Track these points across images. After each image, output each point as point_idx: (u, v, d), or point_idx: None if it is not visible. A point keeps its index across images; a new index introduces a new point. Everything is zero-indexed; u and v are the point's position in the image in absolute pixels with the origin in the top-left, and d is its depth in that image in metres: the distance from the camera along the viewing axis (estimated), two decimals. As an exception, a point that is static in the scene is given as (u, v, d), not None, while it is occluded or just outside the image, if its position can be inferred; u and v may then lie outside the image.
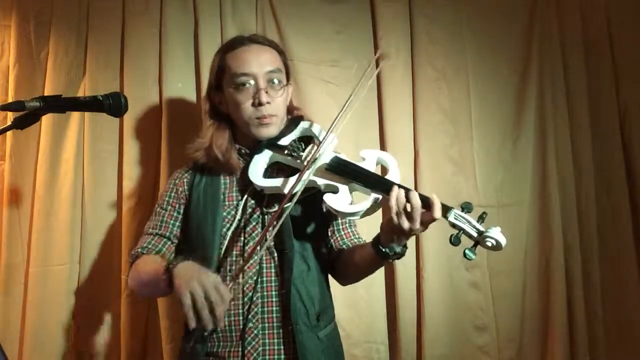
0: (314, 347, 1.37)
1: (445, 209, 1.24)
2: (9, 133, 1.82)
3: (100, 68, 1.90)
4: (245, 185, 1.43)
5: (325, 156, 1.38)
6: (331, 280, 1.53)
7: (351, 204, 1.34)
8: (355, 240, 1.50)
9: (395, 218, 1.23)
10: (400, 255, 1.32)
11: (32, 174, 1.86)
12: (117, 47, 1.92)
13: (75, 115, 1.89)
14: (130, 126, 1.89)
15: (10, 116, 1.63)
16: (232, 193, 1.45)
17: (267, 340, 1.37)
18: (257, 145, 1.45)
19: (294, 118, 1.51)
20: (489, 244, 1.21)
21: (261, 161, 1.43)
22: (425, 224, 1.25)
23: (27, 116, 1.15)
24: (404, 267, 1.95)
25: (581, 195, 2.10)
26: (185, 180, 1.51)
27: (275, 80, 1.43)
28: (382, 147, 2.01)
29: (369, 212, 1.32)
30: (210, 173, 1.48)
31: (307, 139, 1.47)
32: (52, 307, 1.82)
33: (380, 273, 1.95)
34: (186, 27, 1.94)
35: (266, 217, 1.41)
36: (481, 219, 1.25)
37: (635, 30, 2.16)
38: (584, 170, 2.11)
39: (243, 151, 1.48)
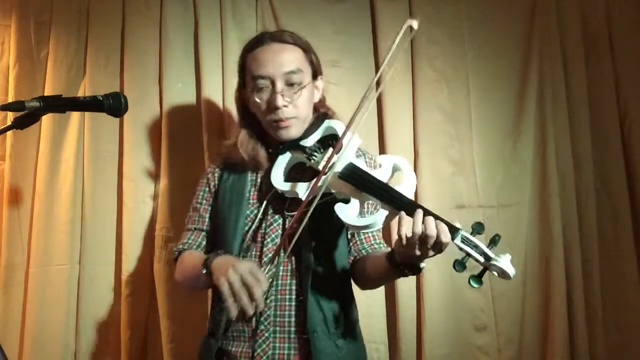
0: (332, 354, 1.35)
1: (452, 230, 1.17)
2: (9, 133, 1.82)
3: (100, 68, 1.90)
4: (269, 186, 1.42)
5: (340, 163, 1.33)
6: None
7: (360, 215, 1.29)
8: (376, 246, 1.46)
9: (408, 244, 1.17)
10: (419, 271, 1.27)
11: (32, 174, 1.86)
12: (117, 47, 1.92)
13: (75, 115, 1.89)
14: (130, 126, 1.89)
15: (10, 116, 1.63)
16: (256, 192, 1.45)
17: (277, 344, 1.35)
18: (281, 146, 1.44)
19: (319, 116, 1.48)
20: (495, 273, 1.15)
21: (283, 163, 1.41)
22: (436, 250, 1.18)
23: (27, 116, 1.16)
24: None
25: (581, 195, 2.09)
26: (216, 174, 1.52)
27: (294, 82, 1.40)
28: (382, 147, 2.01)
29: (378, 226, 1.28)
30: (239, 170, 1.48)
31: (332, 138, 1.44)
32: (52, 307, 1.83)
33: (380, 273, 1.95)
34: (186, 27, 1.95)
35: (287, 220, 1.40)
36: (493, 242, 1.17)
37: (635, 30, 2.16)
38: (584, 170, 2.10)
39: (270, 151, 1.47)
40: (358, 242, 1.46)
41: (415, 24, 1.29)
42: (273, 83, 1.39)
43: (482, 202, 2.02)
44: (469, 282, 1.17)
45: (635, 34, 2.15)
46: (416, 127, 2.02)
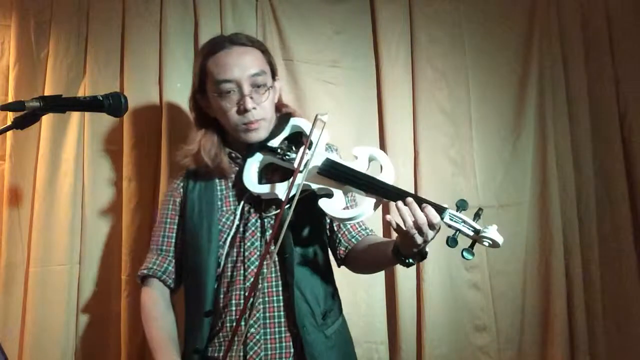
0: (322, 345, 1.36)
1: (440, 210, 1.22)
2: (9, 133, 1.82)
3: (100, 68, 1.90)
4: (242, 190, 1.41)
5: (316, 159, 1.35)
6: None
7: (346, 208, 1.32)
8: (363, 232, 1.48)
9: (406, 234, 1.21)
10: (423, 257, 1.30)
11: (32, 174, 1.86)
12: (117, 47, 1.92)
13: (75, 115, 1.89)
14: (130, 126, 1.89)
15: (10, 116, 1.63)
16: (229, 198, 1.44)
17: (269, 345, 1.36)
18: (248, 149, 1.43)
19: (283, 116, 1.48)
20: (485, 243, 1.21)
21: (254, 165, 1.41)
22: (431, 231, 1.21)
23: (27, 116, 1.16)
24: (404, 267, 1.95)
25: (581, 195, 2.10)
26: (180, 190, 1.49)
27: (260, 84, 1.40)
28: (382, 147, 2.01)
29: (366, 215, 1.31)
30: (204, 179, 1.46)
31: (298, 135, 1.45)
32: (52, 307, 1.82)
33: (380, 273, 1.95)
34: (186, 27, 1.94)
35: (265, 221, 1.40)
36: (477, 216, 1.23)
37: (635, 30, 2.16)
38: (584, 170, 2.11)
39: (234, 155, 1.46)
40: (346, 232, 1.48)
41: (325, 118, 1.32)
42: (240, 86, 1.38)
43: (482, 202, 2.02)
44: (462, 255, 1.21)
45: (635, 34, 2.16)
46: (416, 127, 2.02)
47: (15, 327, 1.83)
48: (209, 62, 1.42)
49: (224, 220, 1.41)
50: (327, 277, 1.47)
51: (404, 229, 1.20)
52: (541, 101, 2.10)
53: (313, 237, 1.44)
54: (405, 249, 1.26)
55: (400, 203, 1.22)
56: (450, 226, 1.23)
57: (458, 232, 1.22)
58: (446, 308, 1.98)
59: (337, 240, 1.49)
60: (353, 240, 1.47)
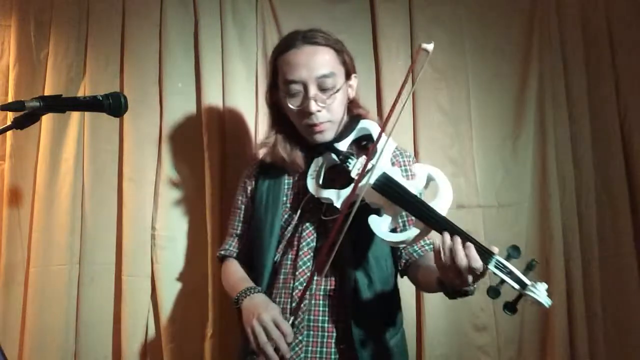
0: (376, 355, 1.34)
1: (486, 255, 1.13)
2: (9, 133, 1.83)
3: (100, 68, 1.91)
4: (306, 188, 1.40)
5: (375, 172, 1.29)
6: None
7: (392, 230, 1.27)
8: (426, 247, 1.44)
9: (444, 271, 1.16)
10: (465, 295, 1.21)
11: (32, 174, 1.86)
12: (117, 47, 1.92)
13: (75, 115, 1.89)
14: (130, 126, 1.89)
15: (10, 116, 1.64)
16: (293, 195, 1.45)
17: (310, 348, 1.35)
18: (316, 149, 1.42)
19: (354, 117, 1.45)
20: (530, 302, 1.10)
21: (318, 166, 1.40)
22: (471, 275, 1.13)
23: (27, 116, 1.16)
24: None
25: (581, 195, 2.10)
26: (253, 179, 1.53)
27: (328, 86, 1.36)
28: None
29: (412, 242, 1.27)
30: (275, 173, 1.47)
31: (365, 139, 1.43)
32: (52, 307, 1.83)
33: (380, 273, 1.95)
34: (186, 27, 1.95)
35: (321, 225, 1.39)
36: (529, 268, 1.13)
37: (635, 30, 2.16)
38: (584, 170, 2.11)
39: (305, 152, 1.45)
40: (408, 246, 1.44)
41: (430, 47, 1.25)
42: (306, 88, 1.36)
43: (481, 202, 2.02)
44: (503, 310, 1.11)
45: (635, 34, 2.15)
46: (416, 127, 2.02)
47: (15, 327, 1.83)
48: (279, 60, 1.41)
49: (286, 216, 1.43)
50: (388, 290, 1.43)
51: (442, 263, 1.14)
52: (541, 101, 2.10)
53: (374, 248, 1.38)
54: (446, 282, 1.20)
55: (447, 236, 1.15)
56: (494, 274, 1.13)
57: (502, 282, 1.12)
58: (446, 308, 1.98)
59: (399, 252, 1.45)
60: (414, 254, 1.44)
